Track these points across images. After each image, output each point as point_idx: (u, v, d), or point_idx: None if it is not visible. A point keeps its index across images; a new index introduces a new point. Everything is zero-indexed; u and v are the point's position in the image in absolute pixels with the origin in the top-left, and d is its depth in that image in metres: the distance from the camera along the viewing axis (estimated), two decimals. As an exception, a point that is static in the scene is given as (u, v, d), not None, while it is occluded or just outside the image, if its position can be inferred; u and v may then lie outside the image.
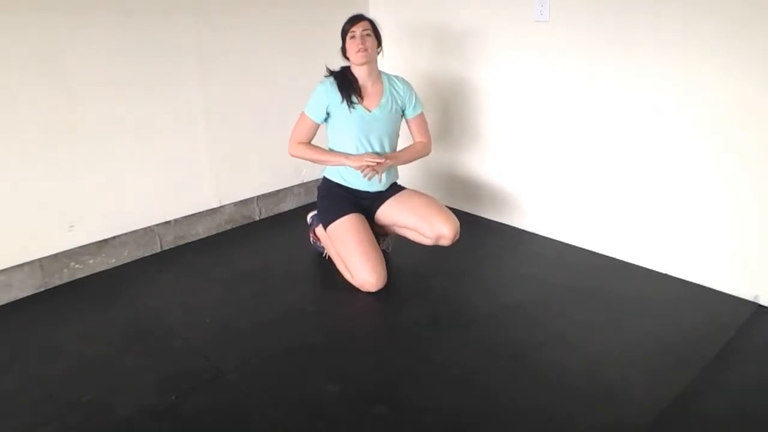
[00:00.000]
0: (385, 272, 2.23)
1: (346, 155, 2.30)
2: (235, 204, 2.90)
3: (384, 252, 2.40)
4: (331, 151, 2.36)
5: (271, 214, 3.06)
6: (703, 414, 1.61)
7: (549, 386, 1.72)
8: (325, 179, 2.45)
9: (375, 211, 2.40)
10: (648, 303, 2.15)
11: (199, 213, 2.78)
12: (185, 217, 2.72)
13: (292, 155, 2.39)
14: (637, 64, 2.21)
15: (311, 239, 2.59)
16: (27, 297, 2.28)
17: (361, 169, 2.24)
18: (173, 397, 1.70)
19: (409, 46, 3.08)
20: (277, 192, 3.07)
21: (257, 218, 3.01)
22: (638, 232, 2.39)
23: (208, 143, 2.71)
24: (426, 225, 2.26)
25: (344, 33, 2.30)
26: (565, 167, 2.57)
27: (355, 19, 2.28)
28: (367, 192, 2.37)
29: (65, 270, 2.38)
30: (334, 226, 2.30)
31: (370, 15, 3.17)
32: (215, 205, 2.83)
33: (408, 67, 3.11)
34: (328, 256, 2.46)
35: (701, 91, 2.08)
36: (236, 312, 2.17)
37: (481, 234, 2.82)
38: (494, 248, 2.66)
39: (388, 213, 2.38)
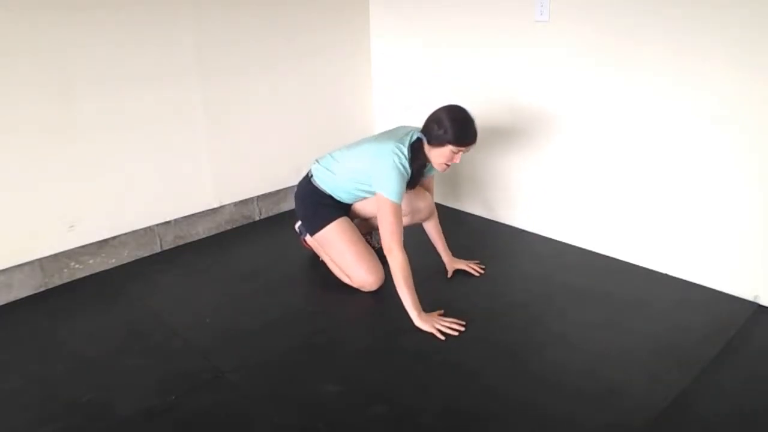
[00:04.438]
0: (383, 269, 2.23)
1: (419, 310, 1.99)
2: (235, 204, 2.90)
3: (375, 249, 2.39)
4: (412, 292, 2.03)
5: (271, 214, 3.06)
6: (703, 414, 1.61)
7: (549, 386, 1.72)
8: (310, 185, 2.30)
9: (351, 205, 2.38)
10: (648, 303, 2.15)
11: (199, 213, 2.78)
12: (185, 217, 2.72)
13: (398, 262, 1.98)
14: (638, 63, 2.21)
15: (305, 246, 2.56)
16: (27, 297, 2.28)
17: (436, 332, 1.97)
18: (173, 397, 1.70)
19: (408, 46, 3.08)
20: (277, 192, 3.08)
21: (257, 218, 3.01)
22: (638, 232, 2.39)
23: (208, 143, 2.71)
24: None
25: (453, 141, 2.02)
26: (565, 167, 2.57)
27: (473, 140, 2.07)
28: None
29: (65, 270, 2.38)
30: (323, 233, 2.25)
31: (370, 13, 3.20)
32: (215, 205, 2.83)
33: (407, 66, 3.12)
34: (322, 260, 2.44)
35: (702, 91, 2.08)
36: (236, 312, 2.17)
37: (481, 234, 2.82)
38: (494, 248, 2.66)
39: (368, 205, 2.35)
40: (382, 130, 2.35)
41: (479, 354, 1.88)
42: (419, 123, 2.24)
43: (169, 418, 1.63)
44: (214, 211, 2.83)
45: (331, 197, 2.28)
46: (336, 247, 2.25)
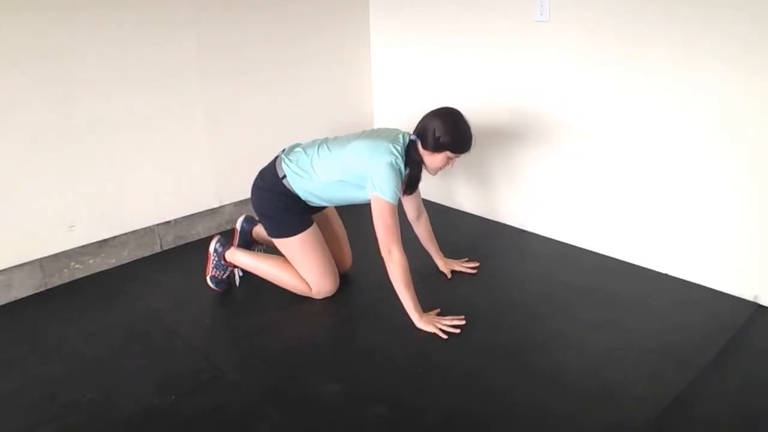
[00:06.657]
0: (338, 276, 2.23)
1: (420, 312, 2.00)
2: (235, 204, 2.90)
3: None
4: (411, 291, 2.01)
5: (271, 214, 3.06)
6: (703, 414, 1.61)
7: (549, 386, 1.72)
8: (280, 185, 2.12)
9: None
10: (648, 303, 2.15)
11: (199, 213, 2.78)
12: (185, 217, 2.72)
13: (398, 263, 1.94)
14: (637, 63, 2.21)
15: (213, 273, 2.27)
16: (27, 297, 2.28)
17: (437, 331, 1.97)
18: (173, 397, 1.70)
19: (408, 46, 3.08)
20: (277, 192, 3.07)
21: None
22: (638, 232, 2.39)
23: (208, 143, 2.71)
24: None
25: (451, 148, 2.01)
26: (565, 167, 2.57)
27: (471, 146, 2.05)
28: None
29: (65, 270, 2.38)
30: (291, 241, 2.13)
31: (370, 14, 3.21)
32: (215, 205, 2.83)
33: (407, 66, 3.12)
34: (240, 277, 2.33)
35: (702, 91, 2.08)
36: (236, 312, 2.17)
37: (480, 234, 2.82)
38: (494, 248, 2.66)
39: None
40: (365, 130, 2.22)
41: (479, 354, 1.88)
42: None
43: (169, 418, 1.63)
44: (214, 211, 2.83)
45: (302, 201, 2.14)
46: (300, 256, 2.15)
